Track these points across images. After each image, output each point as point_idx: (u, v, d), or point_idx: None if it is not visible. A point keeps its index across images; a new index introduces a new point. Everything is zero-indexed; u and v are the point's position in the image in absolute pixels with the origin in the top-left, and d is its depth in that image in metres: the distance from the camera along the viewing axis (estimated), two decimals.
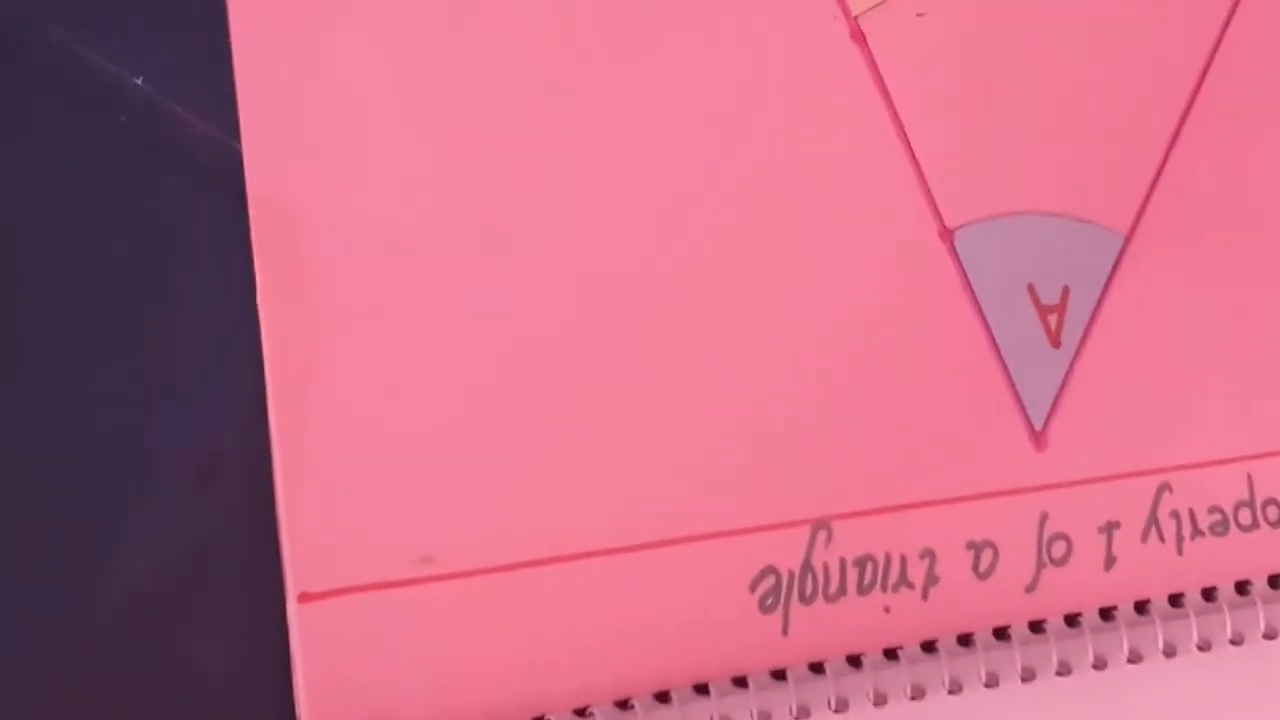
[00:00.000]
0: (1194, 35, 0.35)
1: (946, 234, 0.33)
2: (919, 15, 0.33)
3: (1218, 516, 0.34)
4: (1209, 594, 0.33)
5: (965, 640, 0.32)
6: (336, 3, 0.29)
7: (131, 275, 0.29)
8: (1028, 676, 0.32)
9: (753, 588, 0.31)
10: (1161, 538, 0.33)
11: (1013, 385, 0.33)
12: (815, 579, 0.31)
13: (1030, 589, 0.33)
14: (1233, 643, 0.33)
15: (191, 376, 0.29)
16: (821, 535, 0.31)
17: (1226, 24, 0.35)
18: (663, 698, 0.30)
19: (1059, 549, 0.33)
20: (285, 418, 0.29)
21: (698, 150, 0.32)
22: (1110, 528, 0.33)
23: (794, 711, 0.30)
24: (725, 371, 0.31)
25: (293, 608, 0.28)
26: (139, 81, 0.29)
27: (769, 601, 0.31)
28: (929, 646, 0.32)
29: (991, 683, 0.32)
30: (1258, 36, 0.35)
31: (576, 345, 0.30)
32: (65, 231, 0.29)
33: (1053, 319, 0.33)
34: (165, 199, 0.29)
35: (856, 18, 0.33)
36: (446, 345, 0.30)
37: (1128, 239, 0.34)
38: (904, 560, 0.32)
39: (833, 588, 0.31)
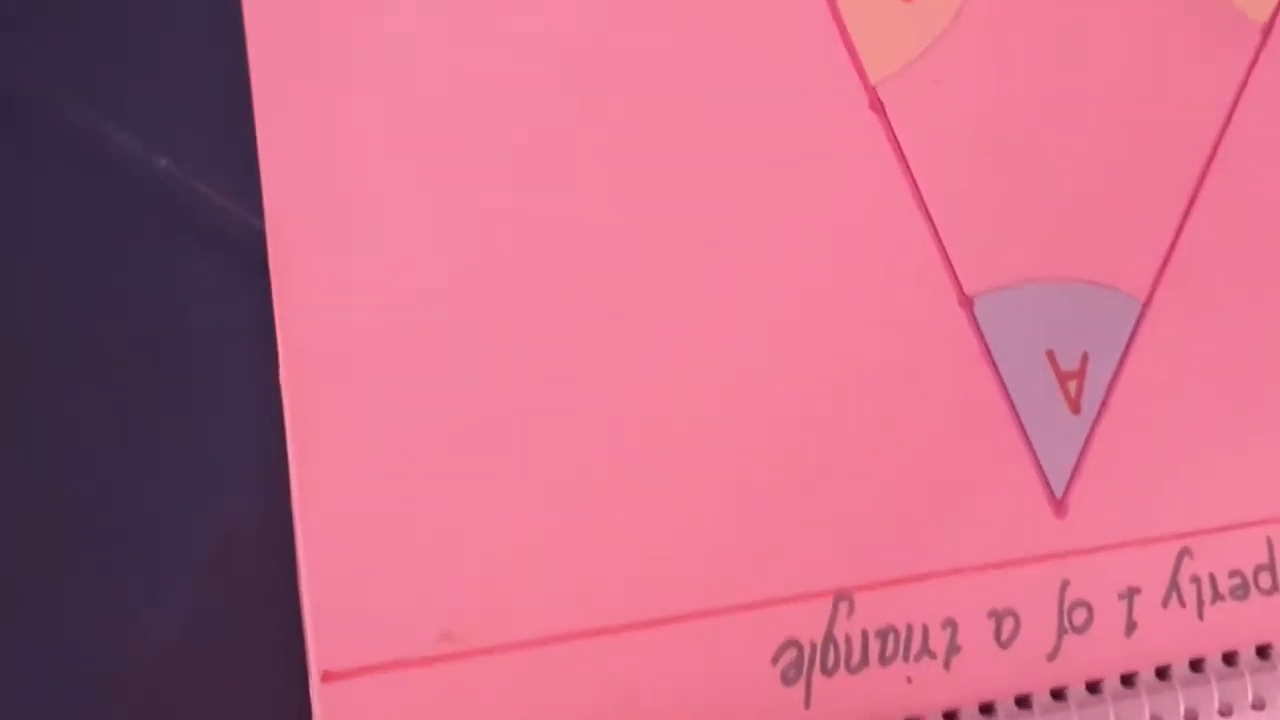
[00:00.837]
0: (1209, 98, 0.35)
1: (966, 301, 0.33)
2: (936, 83, 0.33)
3: (1238, 580, 0.34)
4: (1230, 658, 0.33)
5: (987, 709, 0.32)
6: (359, 83, 0.29)
7: (154, 354, 0.29)
8: None
9: (775, 660, 0.31)
10: (1182, 603, 0.33)
11: (1033, 452, 0.33)
12: (837, 650, 0.31)
13: (1052, 656, 0.32)
14: (1254, 707, 0.33)
15: (214, 453, 0.29)
16: (843, 606, 0.31)
17: (1242, 86, 0.35)
18: None
19: (1080, 616, 0.33)
20: (307, 494, 0.29)
21: (717, 219, 0.32)
22: (1131, 593, 0.33)
23: None
24: (745, 443, 0.31)
25: (315, 687, 0.28)
26: (163, 162, 0.29)
27: (791, 674, 0.31)
28: (951, 716, 0.32)
29: None
30: (1272, 102, 0.35)
31: (595, 419, 0.30)
32: (89, 310, 0.29)
33: (1072, 385, 0.33)
34: (188, 277, 0.29)
35: (875, 86, 0.33)
36: (468, 421, 0.30)
37: (1146, 304, 0.34)
38: (926, 630, 0.32)
39: (855, 659, 0.31)
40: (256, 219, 0.29)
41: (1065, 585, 0.33)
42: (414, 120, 0.30)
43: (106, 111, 0.29)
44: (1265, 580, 0.34)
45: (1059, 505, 0.33)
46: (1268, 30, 0.35)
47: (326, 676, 0.28)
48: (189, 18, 0.30)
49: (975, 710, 0.32)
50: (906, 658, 0.32)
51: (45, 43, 0.29)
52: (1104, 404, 0.33)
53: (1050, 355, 0.33)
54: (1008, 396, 0.33)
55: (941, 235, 0.33)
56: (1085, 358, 0.33)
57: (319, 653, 0.28)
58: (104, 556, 0.29)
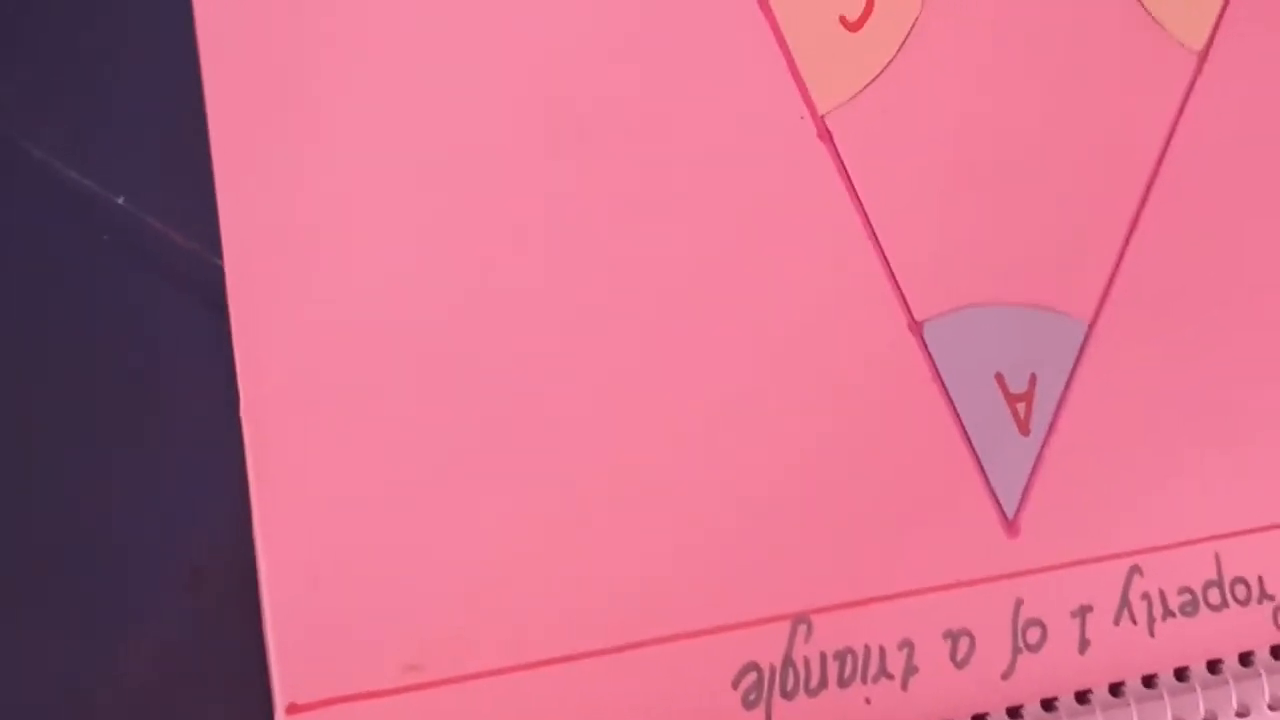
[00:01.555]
0: (1149, 124, 0.36)
1: (916, 326, 0.33)
2: (884, 112, 0.34)
3: (1188, 597, 0.34)
4: (1181, 674, 0.34)
5: None
6: (316, 120, 0.30)
7: (116, 391, 0.29)
8: None
9: (735, 684, 0.31)
10: (1134, 620, 0.34)
11: (984, 474, 0.33)
12: (796, 673, 0.32)
13: (1007, 675, 0.33)
14: None
15: (177, 488, 0.29)
16: (802, 629, 0.32)
17: (1180, 111, 0.36)
18: None
19: (1034, 635, 0.33)
20: (270, 528, 0.29)
21: (668, 249, 0.32)
22: (1083, 611, 0.34)
23: None
24: (700, 469, 0.32)
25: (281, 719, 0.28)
26: (120, 200, 0.29)
27: (751, 697, 0.31)
28: None
29: None
30: (1209, 128, 0.36)
31: (553, 452, 0.31)
32: (48, 347, 0.29)
33: (1021, 407, 0.34)
34: (148, 314, 0.30)
35: (823, 116, 0.33)
36: (430, 453, 0.30)
37: (1091, 326, 0.35)
38: (883, 651, 0.32)
39: (814, 681, 0.32)
40: (215, 256, 0.29)
41: (1019, 604, 0.33)
42: (371, 156, 0.30)
43: (64, 150, 0.29)
44: (1214, 596, 0.34)
45: (1011, 525, 0.34)
46: (1204, 57, 0.36)
47: (291, 709, 0.28)
48: (146, 56, 0.30)
49: None
50: (864, 679, 0.32)
51: (2, 81, 0.30)
52: (1053, 425, 0.34)
53: (999, 378, 0.34)
54: (958, 419, 0.34)
55: (891, 262, 0.33)
56: (1033, 380, 0.34)
57: (284, 685, 0.28)
58: (70, 591, 0.29)
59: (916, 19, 0.34)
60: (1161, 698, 0.33)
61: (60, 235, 0.30)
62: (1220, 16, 0.36)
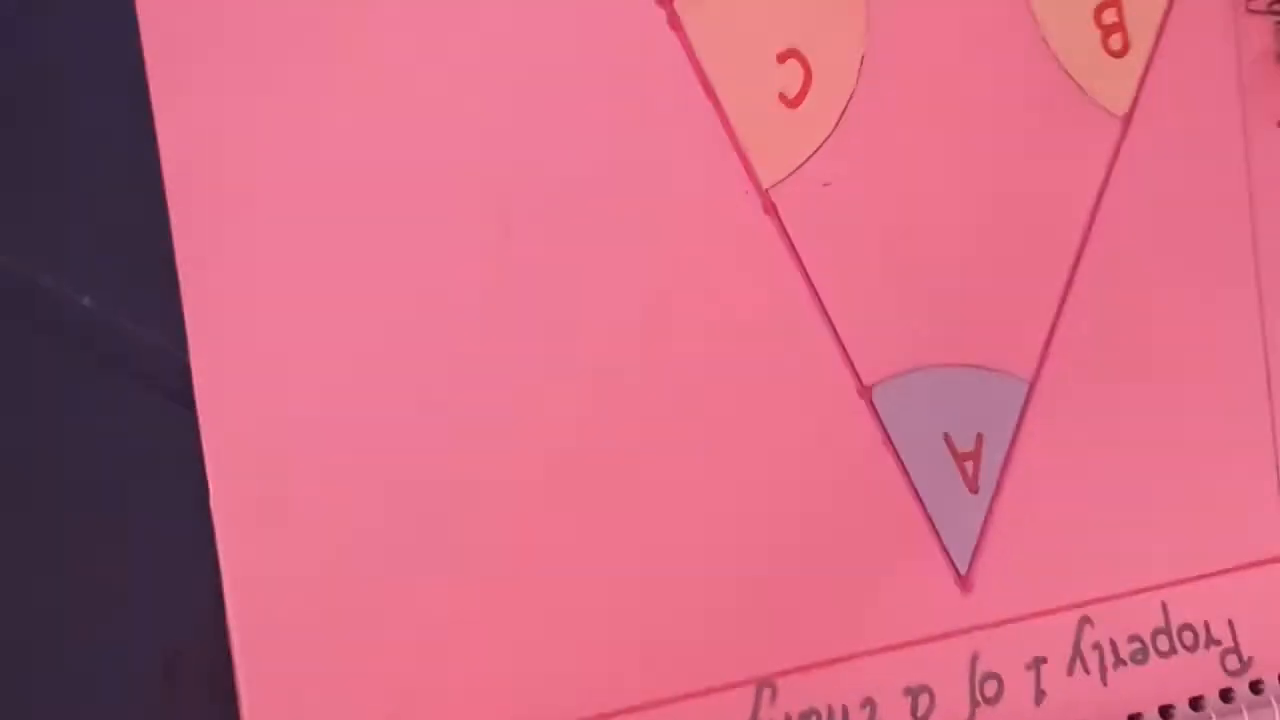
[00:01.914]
0: (1079, 186, 0.37)
1: (865, 391, 0.34)
2: (825, 185, 0.35)
3: (1137, 645, 0.35)
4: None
5: None
6: (278, 212, 0.30)
7: (86, 488, 0.29)
8: None
9: None
10: (1086, 669, 0.35)
11: (936, 532, 0.34)
12: None
13: None
14: None
15: (148, 581, 0.30)
16: (766, 693, 0.32)
17: (1108, 173, 0.37)
18: None
19: (991, 688, 0.34)
20: (242, 617, 0.29)
21: (618, 325, 0.33)
22: (1038, 663, 0.35)
23: None
24: (658, 541, 0.32)
25: None
26: (86, 301, 0.30)
27: None
28: None
29: None
30: (1136, 188, 0.37)
31: (514, 527, 0.31)
32: (19, 449, 0.29)
33: (969, 465, 0.35)
34: (117, 411, 0.30)
35: (768, 191, 0.34)
36: (397, 542, 0.30)
37: (1032, 385, 0.36)
38: (846, 711, 0.33)
39: None
40: (182, 351, 0.30)
41: (975, 658, 0.34)
42: (333, 249, 0.31)
43: (26, 252, 0.30)
44: (1163, 643, 0.35)
45: (964, 581, 0.34)
46: (1128, 120, 0.37)
47: None
48: (104, 155, 0.31)
49: None
50: None
51: None
52: (1000, 482, 0.35)
53: (947, 438, 0.35)
54: (909, 479, 0.34)
55: (838, 328, 0.34)
56: (980, 439, 0.35)
57: None
58: (43, 688, 0.29)
59: (852, 94, 0.35)
60: None
61: (27, 338, 0.30)
62: (1141, 82, 0.38)
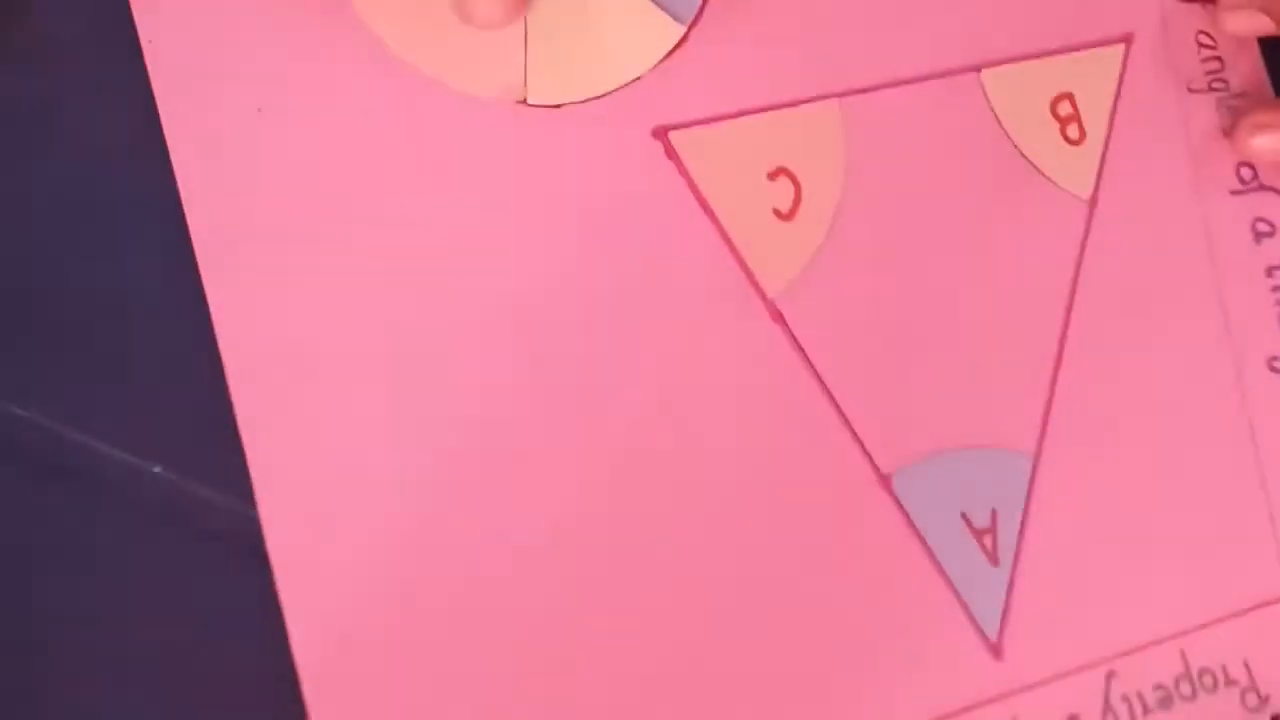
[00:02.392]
0: (1056, 266, 0.39)
1: (884, 480, 0.36)
2: (825, 288, 0.37)
3: (1163, 693, 0.37)
4: None
5: None
6: (331, 366, 0.33)
7: (168, 650, 0.31)
8: None
9: None
10: None
11: (965, 605, 0.36)
12: None
13: None
14: None
15: None
16: None
17: (1082, 251, 0.40)
18: None
19: None
20: None
21: (643, 438, 0.35)
22: None
23: None
24: (694, 635, 0.34)
25: None
26: (157, 470, 0.32)
27: None
28: None
29: None
30: (1109, 258, 0.39)
31: (539, 611, 0.34)
32: (101, 617, 0.31)
33: (987, 540, 0.37)
34: (193, 573, 0.31)
35: (772, 300, 0.37)
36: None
37: (1036, 457, 0.38)
38: None
39: None
40: (251, 508, 0.31)
41: None
42: (384, 393, 0.33)
43: (96, 431, 0.31)
44: (1185, 688, 0.38)
45: (996, 649, 0.36)
46: (1093, 201, 0.40)
47: None
48: (160, 329, 0.33)
49: None
50: None
51: (30, 372, 0.32)
52: (1018, 552, 0.37)
53: (964, 516, 0.37)
54: (934, 559, 0.36)
55: (853, 424, 0.37)
56: (994, 514, 0.37)
57: None
58: None
59: (839, 204, 0.38)
60: None
61: (100, 511, 0.32)
62: (1101, 165, 0.40)
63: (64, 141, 0.34)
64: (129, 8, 0.34)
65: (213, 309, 0.33)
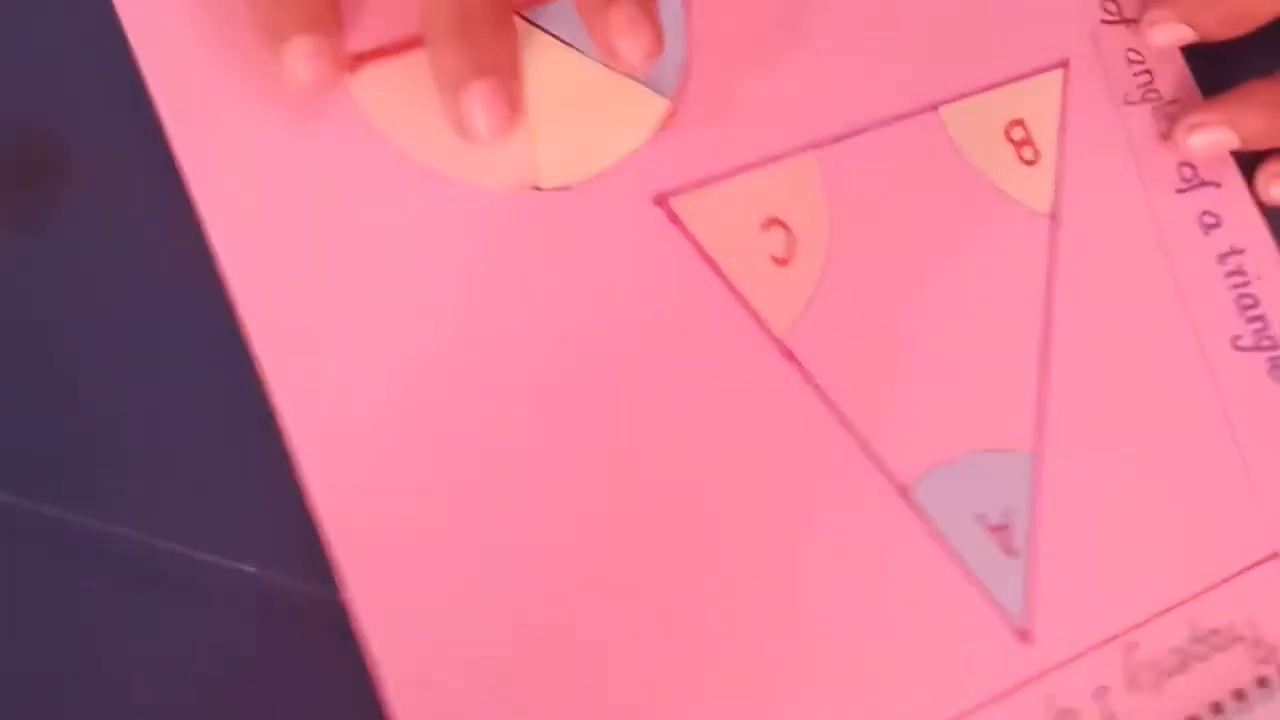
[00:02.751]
0: (1029, 277, 0.43)
1: (904, 490, 0.40)
2: (828, 322, 0.40)
3: (1179, 656, 0.41)
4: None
5: None
6: (395, 442, 0.36)
7: None
8: None
9: None
10: (1142, 687, 0.40)
11: (991, 598, 0.40)
12: None
13: None
14: None
15: None
16: None
17: (1051, 261, 0.43)
18: None
19: None
20: None
21: (668, 477, 0.38)
22: (1102, 691, 0.40)
23: None
24: (735, 645, 0.38)
25: None
26: (252, 569, 0.34)
27: None
28: None
29: None
30: (1078, 268, 0.43)
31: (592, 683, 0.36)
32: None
33: (1004, 535, 0.40)
34: (288, 665, 0.34)
35: (781, 339, 0.40)
36: None
37: (1036, 454, 0.41)
38: None
39: None
40: (337, 591, 0.34)
41: (1050, 699, 0.39)
42: (445, 468, 0.36)
43: (191, 539, 0.34)
44: (1199, 649, 0.41)
45: (1024, 634, 0.40)
46: (1054, 215, 0.44)
47: None
48: (232, 436, 0.35)
49: None
50: None
51: (117, 490, 0.34)
52: (1032, 543, 0.40)
53: (979, 516, 0.40)
54: (957, 558, 0.40)
55: (869, 443, 0.40)
56: (1006, 512, 0.41)
57: None
58: None
59: (828, 245, 0.41)
60: None
61: (200, 611, 0.34)
62: (1057, 180, 0.44)
63: (126, 279, 0.37)
64: (167, 139, 0.37)
65: (280, 410, 0.35)
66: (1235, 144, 0.44)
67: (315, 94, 0.37)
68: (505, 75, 0.37)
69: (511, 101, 0.37)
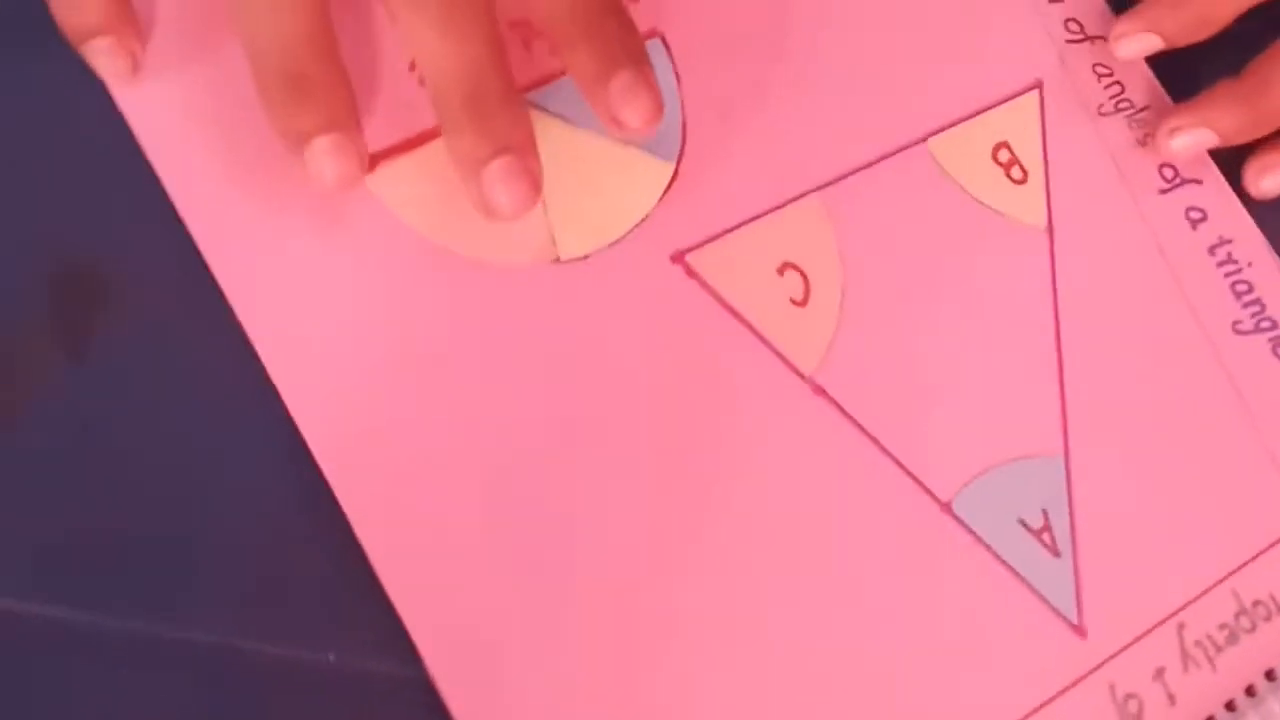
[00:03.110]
0: (1037, 294, 0.45)
1: (946, 506, 0.41)
2: (852, 356, 0.42)
3: (1227, 631, 0.42)
4: (1250, 690, 0.42)
5: None
6: (470, 536, 0.37)
7: None
8: None
9: None
10: (1197, 664, 0.42)
11: (1043, 599, 0.41)
12: None
13: None
14: None
15: None
16: None
17: (1053, 273, 0.45)
18: None
19: (1133, 706, 0.41)
20: None
21: (712, 521, 0.40)
22: (1159, 673, 0.41)
23: None
24: (801, 667, 0.39)
25: None
26: (331, 658, 0.36)
27: None
28: None
29: None
30: (1080, 278, 0.45)
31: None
32: None
33: (1046, 536, 0.42)
34: None
35: (810, 377, 0.42)
36: None
37: (1066, 455, 0.43)
38: None
39: None
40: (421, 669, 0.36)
41: (1112, 687, 0.41)
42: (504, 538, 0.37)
43: (266, 635, 0.36)
44: (1245, 622, 0.42)
45: (1079, 629, 0.41)
46: (1050, 228, 0.46)
47: None
48: (301, 532, 0.37)
49: None
50: None
51: (197, 597, 0.36)
52: (1074, 541, 0.42)
53: (1021, 521, 0.42)
54: (1004, 564, 0.41)
55: (907, 465, 0.41)
56: (1045, 514, 0.42)
57: None
58: None
59: (842, 281, 0.43)
60: (1246, 714, 0.41)
61: (283, 706, 0.36)
62: (1047, 195, 0.46)
63: (179, 390, 0.38)
64: (202, 256, 0.39)
65: (341, 498, 0.37)
66: (1214, 141, 0.46)
67: (340, 191, 0.38)
68: (522, 152, 0.38)
69: (531, 177, 0.38)
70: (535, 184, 0.38)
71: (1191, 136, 0.46)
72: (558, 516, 0.39)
